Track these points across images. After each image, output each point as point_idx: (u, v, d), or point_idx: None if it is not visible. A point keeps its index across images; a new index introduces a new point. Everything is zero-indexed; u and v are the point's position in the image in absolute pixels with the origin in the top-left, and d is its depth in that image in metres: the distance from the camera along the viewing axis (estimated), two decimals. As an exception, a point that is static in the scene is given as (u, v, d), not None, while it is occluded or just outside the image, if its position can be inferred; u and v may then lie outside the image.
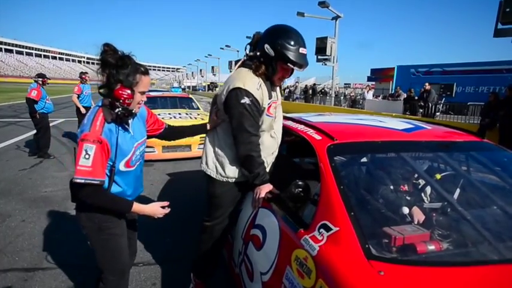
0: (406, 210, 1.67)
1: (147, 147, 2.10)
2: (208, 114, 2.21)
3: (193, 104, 8.88)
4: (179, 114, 7.45)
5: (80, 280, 2.59)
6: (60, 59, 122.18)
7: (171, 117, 6.98)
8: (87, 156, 1.46)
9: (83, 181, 1.47)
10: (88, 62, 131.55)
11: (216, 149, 2.03)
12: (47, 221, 3.63)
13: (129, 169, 1.67)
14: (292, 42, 1.79)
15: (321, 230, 1.43)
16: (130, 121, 1.65)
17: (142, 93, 1.60)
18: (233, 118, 1.85)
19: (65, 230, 3.42)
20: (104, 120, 1.51)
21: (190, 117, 7.41)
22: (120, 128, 1.58)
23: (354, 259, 1.25)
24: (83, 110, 7.46)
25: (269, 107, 1.95)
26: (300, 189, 1.73)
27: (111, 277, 1.78)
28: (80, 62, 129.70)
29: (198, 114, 7.79)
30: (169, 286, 2.58)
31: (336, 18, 14.71)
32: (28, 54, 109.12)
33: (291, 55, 1.79)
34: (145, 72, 1.58)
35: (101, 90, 1.55)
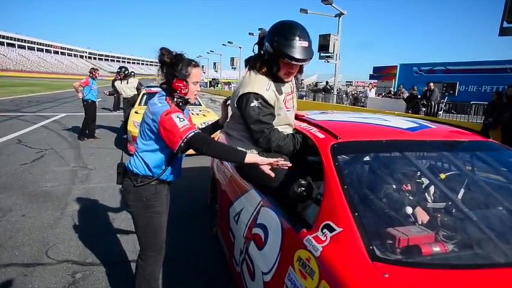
0: (410, 210, 1.64)
1: None
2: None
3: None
4: (181, 110, 7.41)
5: (80, 276, 2.57)
6: (62, 53, 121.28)
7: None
8: (182, 119, 1.70)
9: (192, 133, 1.68)
10: (90, 57, 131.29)
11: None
12: (47, 216, 3.61)
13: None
14: (289, 37, 1.77)
15: (324, 230, 1.41)
16: (184, 111, 1.89)
17: (196, 83, 1.83)
18: (247, 120, 1.93)
19: (65, 226, 3.41)
20: (172, 104, 1.77)
21: (192, 114, 7.37)
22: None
23: (358, 261, 1.23)
24: (80, 96, 7.72)
25: (285, 101, 2.01)
26: (303, 189, 1.71)
27: (151, 253, 1.98)
28: (82, 57, 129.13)
29: (200, 111, 7.77)
30: (169, 285, 2.56)
31: (339, 15, 14.60)
32: (30, 48, 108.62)
33: (288, 50, 1.77)
34: (196, 65, 1.82)
35: (163, 86, 1.83)
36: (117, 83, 8.33)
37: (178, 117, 1.70)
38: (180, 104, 1.81)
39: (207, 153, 1.72)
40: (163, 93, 1.83)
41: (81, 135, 7.83)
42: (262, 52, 1.91)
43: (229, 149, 1.81)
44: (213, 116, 7.41)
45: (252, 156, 1.72)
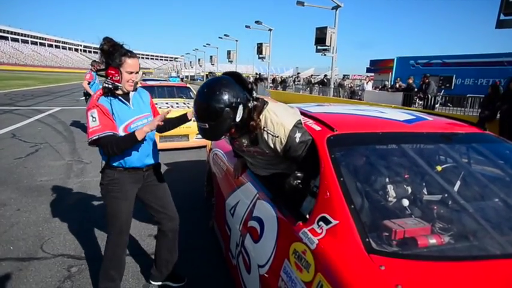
0: (406, 202, 1.64)
1: None
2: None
3: (190, 93, 8.80)
4: (176, 103, 7.36)
5: (76, 270, 2.56)
6: (57, 47, 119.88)
7: (168, 107, 6.89)
8: (93, 119, 1.85)
9: (96, 137, 1.83)
10: (85, 51, 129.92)
11: None
12: (42, 211, 3.59)
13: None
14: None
15: (320, 223, 1.40)
16: (131, 96, 2.01)
17: (130, 73, 1.92)
18: None
19: (61, 220, 3.38)
20: (101, 94, 1.92)
21: (188, 107, 7.34)
22: (116, 99, 1.95)
23: (354, 253, 1.22)
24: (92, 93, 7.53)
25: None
26: (299, 181, 1.69)
27: (111, 236, 2.11)
28: (76, 50, 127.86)
29: (195, 104, 7.71)
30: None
31: (336, 7, 14.51)
32: (24, 41, 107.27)
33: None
34: (132, 56, 1.92)
35: (100, 72, 1.97)
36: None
37: (92, 115, 1.85)
38: (107, 88, 1.89)
39: (111, 152, 1.86)
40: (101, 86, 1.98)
41: None
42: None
43: (125, 138, 1.90)
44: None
45: (140, 131, 1.85)
